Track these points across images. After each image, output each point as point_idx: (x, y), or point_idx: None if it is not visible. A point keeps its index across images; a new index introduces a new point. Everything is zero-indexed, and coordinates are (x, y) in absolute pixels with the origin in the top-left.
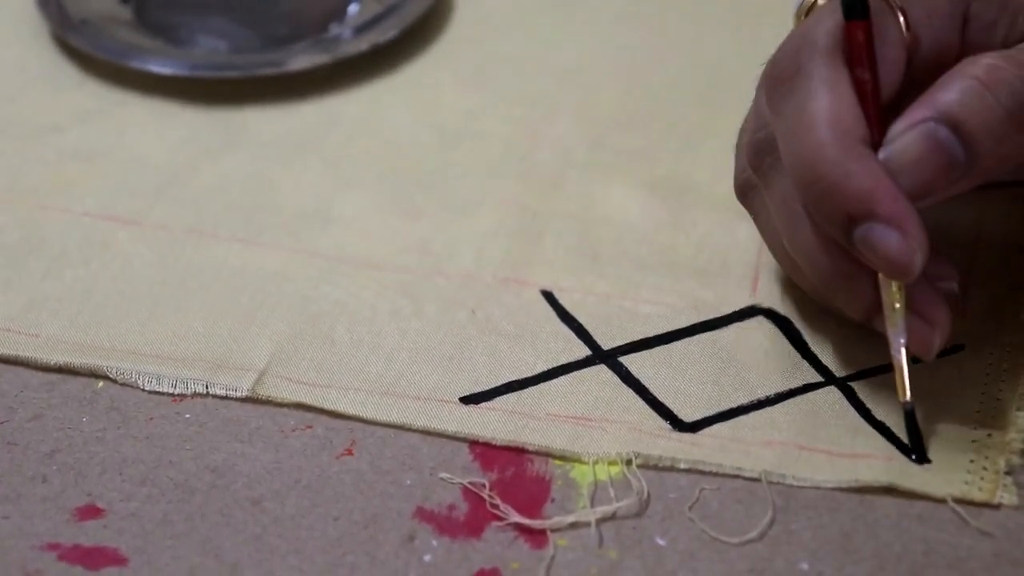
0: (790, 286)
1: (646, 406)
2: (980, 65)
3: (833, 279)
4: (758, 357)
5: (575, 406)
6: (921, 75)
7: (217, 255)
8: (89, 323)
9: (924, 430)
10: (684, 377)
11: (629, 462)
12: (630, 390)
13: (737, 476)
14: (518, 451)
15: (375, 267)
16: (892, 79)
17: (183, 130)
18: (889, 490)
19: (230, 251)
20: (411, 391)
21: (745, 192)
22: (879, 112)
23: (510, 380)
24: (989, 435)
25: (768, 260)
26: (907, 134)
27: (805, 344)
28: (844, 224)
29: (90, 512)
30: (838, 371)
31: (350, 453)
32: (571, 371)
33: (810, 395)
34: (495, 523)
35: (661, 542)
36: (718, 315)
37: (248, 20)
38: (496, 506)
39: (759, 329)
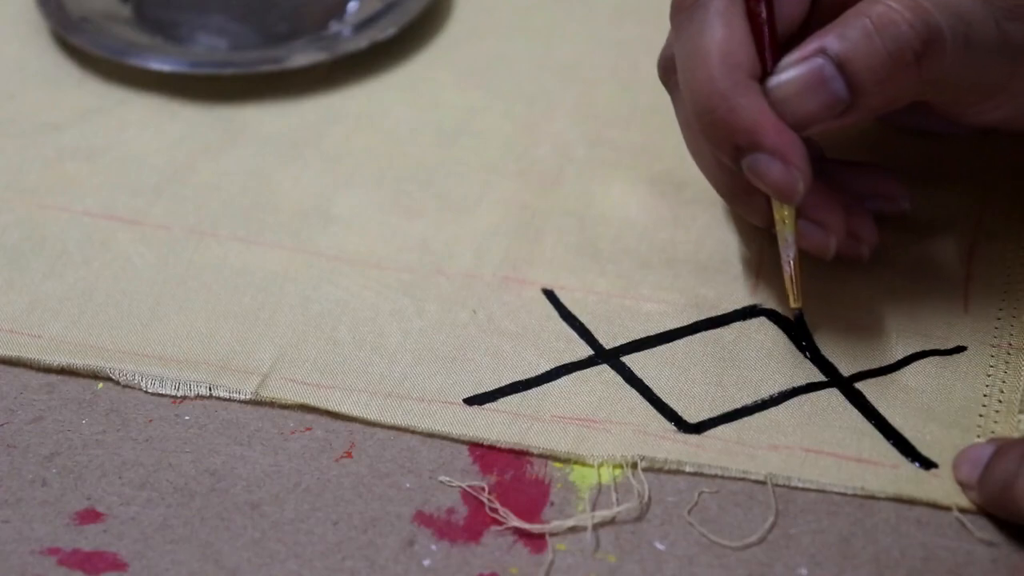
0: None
1: (650, 407)
2: (877, 6)
3: (731, 194)
4: (761, 356)
5: (579, 407)
6: (829, 11)
7: (218, 254)
8: (91, 324)
9: (927, 433)
10: (687, 377)
11: (635, 465)
12: (634, 390)
13: (736, 479)
14: (518, 453)
15: (375, 266)
16: (793, 12)
17: (183, 128)
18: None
19: (231, 251)
20: (415, 392)
21: (663, 68)
22: (775, 44)
23: (513, 381)
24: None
25: (770, 258)
26: (795, 67)
27: (808, 343)
28: (732, 153)
29: (90, 516)
30: (843, 371)
31: (349, 456)
32: (574, 371)
33: (814, 395)
34: (494, 527)
35: (660, 546)
36: (719, 312)
37: (248, 17)
38: (495, 510)
39: (761, 329)
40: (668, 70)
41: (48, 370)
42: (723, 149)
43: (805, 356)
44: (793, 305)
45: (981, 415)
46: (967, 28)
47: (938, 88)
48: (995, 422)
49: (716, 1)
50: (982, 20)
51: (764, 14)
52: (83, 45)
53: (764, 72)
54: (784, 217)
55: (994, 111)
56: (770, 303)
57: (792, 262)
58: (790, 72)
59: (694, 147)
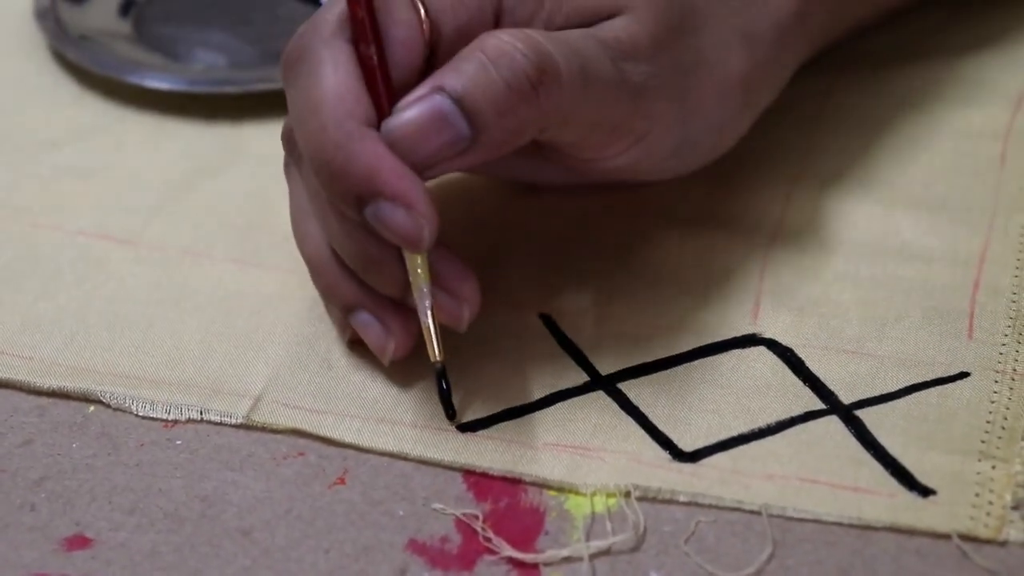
0: (793, 313)
1: (645, 435)
2: (489, 40)
3: (362, 261)
4: (759, 385)
5: (573, 435)
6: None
7: (212, 276)
8: (83, 346)
9: (927, 462)
10: (684, 404)
11: (628, 494)
12: (629, 418)
13: (734, 508)
14: (513, 481)
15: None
16: (408, 59)
17: (180, 146)
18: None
19: (225, 272)
20: (408, 418)
21: (287, 165)
22: (390, 88)
23: (508, 407)
24: (994, 467)
25: (770, 287)
26: (413, 106)
27: (807, 372)
28: (354, 204)
29: (78, 542)
30: (843, 398)
31: (342, 482)
32: (569, 397)
33: (811, 424)
34: (488, 556)
35: None
36: (718, 339)
37: (247, 35)
38: (489, 539)
39: (760, 358)
40: (291, 141)
41: (39, 392)
42: (346, 201)
43: (805, 385)
44: (434, 359)
45: (983, 441)
46: (583, 61)
47: (560, 122)
48: (997, 448)
49: (322, 51)
50: (597, 57)
51: (375, 57)
52: (81, 62)
53: (381, 118)
54: (417, 267)
55: (621, 155)
56: (769, 332)
57: (430, 313)
58: (408, 112)
59: (320, 218)
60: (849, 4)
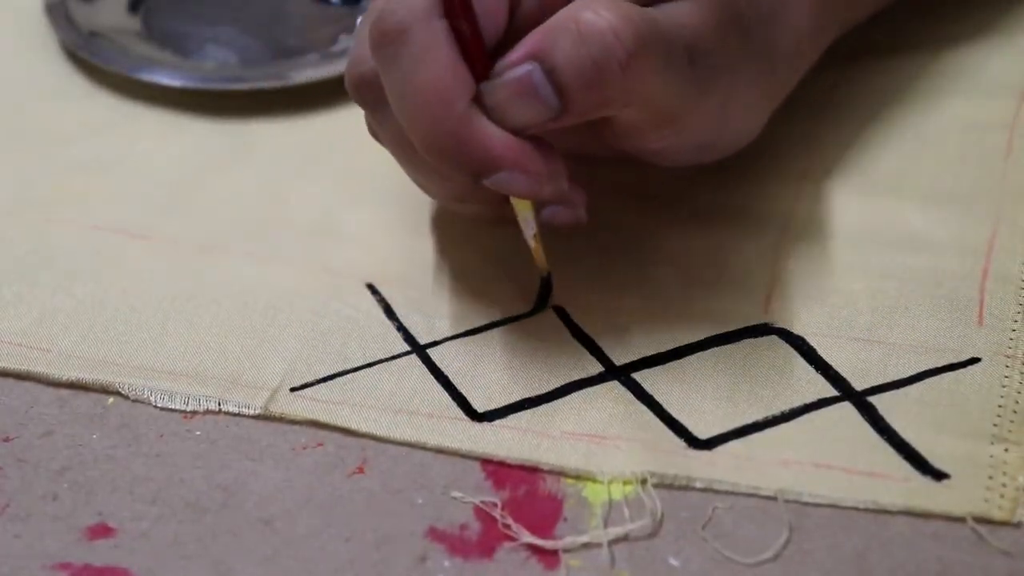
0: (804, 303)
1: (660, 423)
2: (585, 12)
3: (456, 200)
4: (772, 373)
5: (589, 424)
6: (527, 25)
7: (227, 270)
8: (101, 338)
9: (939, 445)
10: (698, 393)
11: (644, 481)
12: (644, 406)
13: (750, 494)
14: (531, 469)
15: (384, 283)
16: (494, 28)
17: (193, 142)
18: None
19: (240, 266)
20: (424, 409)
21: (359, 88)
22: (483, 55)
23: (523, 397)
24: (1006, 449)
25: (781, 277)
26: (507, 74)
27: (819, 359)
28: (472, 176)
29: (100, 531)
30: (855, 385)
31: (361, 471)
32: (584, 387)
33: (824, 410)
34: (507, 543)
35: (674, 562)
36: (730, 329)
37: (257, 31)
38: (508, 526)
39: (772, 347)
40: (364, 87)
41: (58, 384)
42: (463, 174)
43: (817, 373)
44: (543, 270)
45: (996, 425)
46: (667, 47)
47: (639, 101)
48: (1009, 431)
49: (422, 33)
50: (677, 44)
51: (470, 32)
52: (93, 60)
53: (478, 81)
54: (524, 205)
55: (660, 140)
56: (781, 322)
57: (534, 237)
58: (502, 79)
59: (406, 162)
60: (856, 11)
